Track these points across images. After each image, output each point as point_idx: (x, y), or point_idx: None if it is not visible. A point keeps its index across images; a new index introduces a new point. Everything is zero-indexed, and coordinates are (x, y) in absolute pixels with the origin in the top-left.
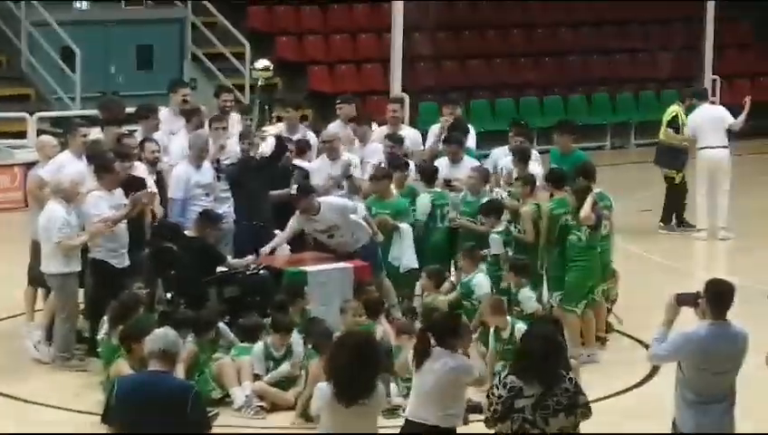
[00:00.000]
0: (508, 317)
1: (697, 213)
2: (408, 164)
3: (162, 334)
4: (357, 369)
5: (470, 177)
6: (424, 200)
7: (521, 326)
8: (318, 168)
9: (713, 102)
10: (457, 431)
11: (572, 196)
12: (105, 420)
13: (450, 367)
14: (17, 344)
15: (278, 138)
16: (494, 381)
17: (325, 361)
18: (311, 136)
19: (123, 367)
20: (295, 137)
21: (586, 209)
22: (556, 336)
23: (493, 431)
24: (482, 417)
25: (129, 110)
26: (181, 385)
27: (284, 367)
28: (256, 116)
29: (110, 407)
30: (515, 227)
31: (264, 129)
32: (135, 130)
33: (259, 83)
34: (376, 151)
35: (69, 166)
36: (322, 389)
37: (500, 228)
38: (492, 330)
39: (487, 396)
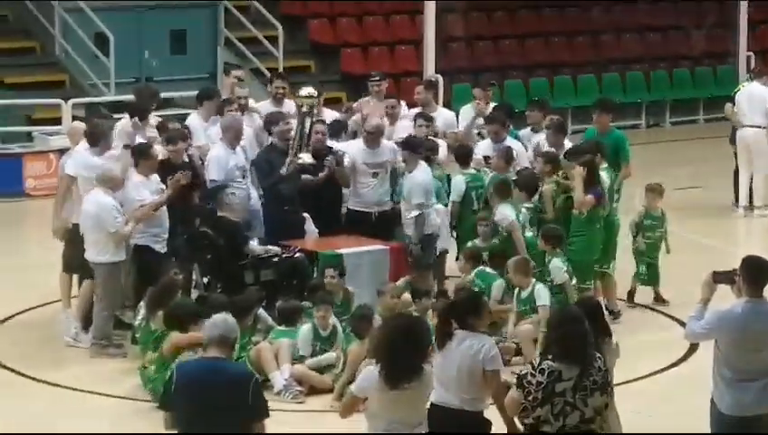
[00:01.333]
0: (532, 279)
1: (740, 190)
2: (437, 147)
3: (221, 320)
4: (404, 352)
5: (494, 156)
6: (458, 181)
7: (540, 287)
8: (353, 151)
9: (765, 82)
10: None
11: (580, 168)
12: (163, 406)
13: (474, 351)
14: (54, 330)
15: (313, 165)
16: (527, 370)
17: (372, 343)
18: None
19: (179, 338)
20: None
21: (579, 196)
22: (584, 316)
23: (526, 421)
24: None
25: (165, 95)
26: (242, 373)
27: (330, 355)
28: (296, 141)
29: (169, 393)
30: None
31: (300, 155)
32: (187, 115)
33: (303, 109)
34: (406, 129)
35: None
36: (370, 371)
37: (529, 205)
38: (516, 290)
39: (521, 386)
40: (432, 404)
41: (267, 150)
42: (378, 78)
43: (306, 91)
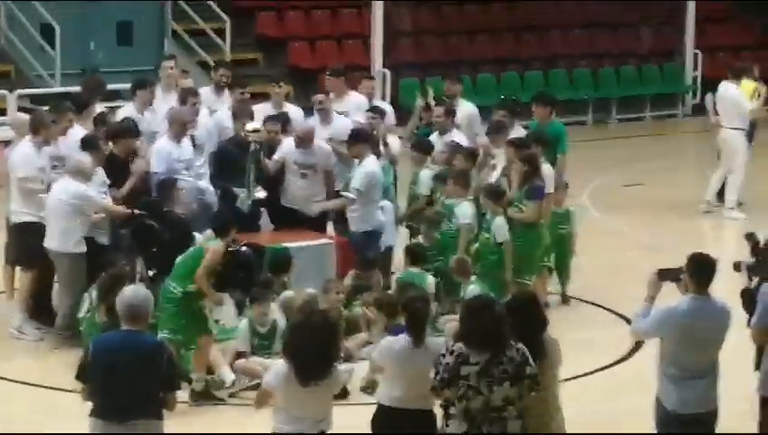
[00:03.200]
0: (472, 277)
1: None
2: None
3: (133, 293)
4: (316, 350)
5: (442, 152)
6: (427, 176)
7: (471, 289)
8: (285, 148)
9: (754, 80)
10: None
11: (520, 163)
12: (80, 378)
13: (436, 352)
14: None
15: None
16: (443, 350)
17: (285, 341)
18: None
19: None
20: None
21: (520, 215)
22: (497, 304)
23: (438, 401)
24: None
25: (111, 87)
26: (154, 344)
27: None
28: (249, 177)
29: (85, 366)
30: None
31: (254, 192)
32: (120, 107)
33: (252, 147)
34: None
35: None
36: (279, 367)
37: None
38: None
39: (435, 365)
40: (388, 407)
41: (226, 145)
42: (327, 73)
43: (251, 126)
